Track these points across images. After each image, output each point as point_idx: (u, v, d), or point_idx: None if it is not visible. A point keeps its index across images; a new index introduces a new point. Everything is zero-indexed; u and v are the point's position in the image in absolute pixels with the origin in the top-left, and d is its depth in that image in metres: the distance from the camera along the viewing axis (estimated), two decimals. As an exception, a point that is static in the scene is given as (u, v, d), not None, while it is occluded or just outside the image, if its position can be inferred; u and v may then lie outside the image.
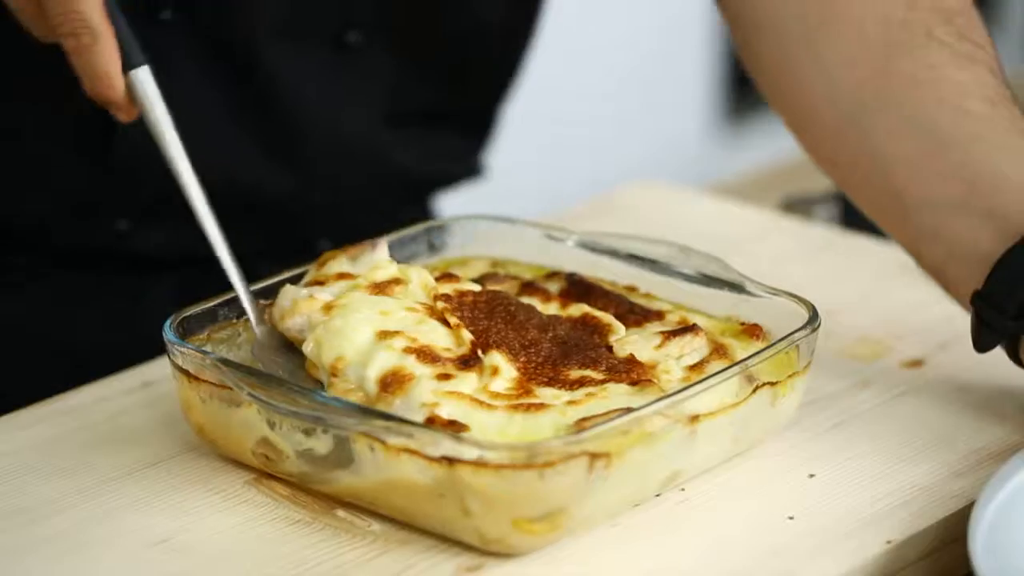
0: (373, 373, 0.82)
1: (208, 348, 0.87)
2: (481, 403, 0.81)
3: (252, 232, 1.04)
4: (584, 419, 0.80)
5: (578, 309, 0.89)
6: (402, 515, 0.81)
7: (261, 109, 1.06)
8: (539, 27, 1.13)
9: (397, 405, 0.81)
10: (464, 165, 1.16)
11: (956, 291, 0.92)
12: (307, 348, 0.85)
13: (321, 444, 0.81)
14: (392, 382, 0.81)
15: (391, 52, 1.07)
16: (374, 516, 0.82)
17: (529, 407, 0.81)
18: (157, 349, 0.90)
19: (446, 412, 0.80)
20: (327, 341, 0.84)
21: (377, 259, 0.90)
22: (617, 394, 0.82)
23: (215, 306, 0.88)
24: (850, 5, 0.95)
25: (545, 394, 0.82)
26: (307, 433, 0.82)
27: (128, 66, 0.86)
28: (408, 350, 0.83)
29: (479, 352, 0.83)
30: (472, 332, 0.85)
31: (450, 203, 1.26)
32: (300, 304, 0.86)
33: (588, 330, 0.87)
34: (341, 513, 0.82)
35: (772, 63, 0.98)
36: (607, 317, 0.88)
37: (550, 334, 0.86)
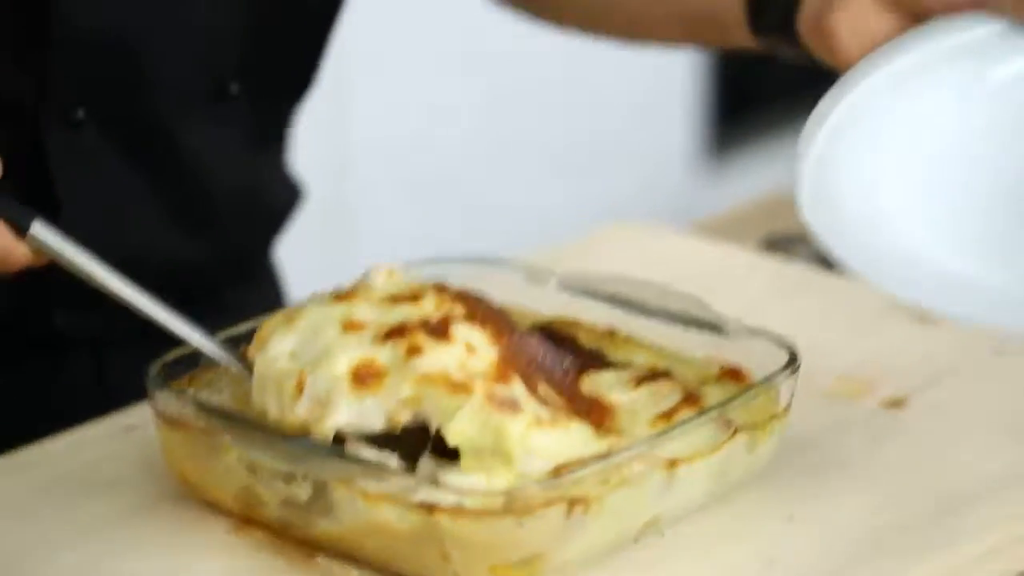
0: (342, 368, 0.81)
1: (190, 393, 0.87)
2: (456, 387, 0.81)
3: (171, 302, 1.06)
4: (562, 465, 0.80)
5: None
6: (382, 562, 0.81)
7: (172, 179, 1.07)
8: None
9: (369, 404, 0.80)
10: (297, 187, 1.18)
11: (728, 21, 0.98)
12: (259, 400, 0.84)
13: (301, 490, 0.81)
14: (367, 376, 0.81)
15: (258, 91, 1.09)
16: (354, 563, 0.82)
17: (502, 403, 0.81)
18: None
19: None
20: (274, 374, 0.83)
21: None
22: (581, 434, 0.82)
23: (198, 351, 0.88)
24: None
25: (516, 390, 0.82)
26: (287, 480, 0.82)
27: (22, 229, 0.86)
28: (377, 339, 0.82)
29: (451, 327, 0.83)
30: (456, 310, 0.85)
31: (426, 245, 1.26)
32: (251, 349, 0.86)
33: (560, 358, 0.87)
34: (321, 561, 0.82)
35: None
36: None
37: (530, 335, 0.87)
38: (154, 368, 0.86)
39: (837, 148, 0.80)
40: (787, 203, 1.15)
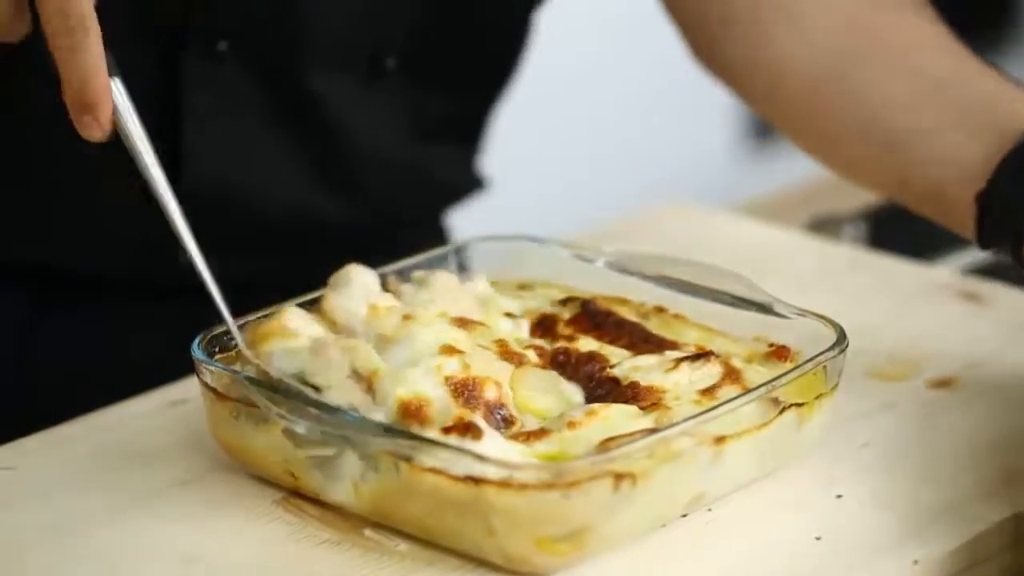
0: (398, 392, 0.82)
1: (236, 366, 0.88)
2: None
3: (314, 261, 1.05)
4: (608, 439, 0.80)
5: (585, 344, 0.89)
6: (427, 534, 0.81)
7: (312, 137, 1.07)
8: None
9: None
10: (475, 175, 1.18)
11: (953, 209, 0.96)
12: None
13: (348, 464, 0.81)
14: (414, 412, 0.82)
15: (420, 73, 1.09)
16: (401, 536, 0.82)
17: (529, 436, 0.81)
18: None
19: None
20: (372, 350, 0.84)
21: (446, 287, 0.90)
22: (623, 413, 0.82)
23: (246, 324, 0.89)
24: None
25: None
26: (333, 454, 0.82)
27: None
28: (450, 381, 0.83)
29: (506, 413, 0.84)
30: None
31: (473, 223, 1.26)
32: (373, 310, 0.87)
33: (594, 366, 0.87)
34: (369, 533, 0.83)
35: (743, 49, 1.05)
36: (614, 357, 0.88)
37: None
38: (200, 341, 0.87)
39: None
40: (832, 185, 1.15)
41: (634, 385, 0.85)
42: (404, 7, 1.06)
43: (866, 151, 1.01)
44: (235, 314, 0.87)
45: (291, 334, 0.86)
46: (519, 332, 0.90)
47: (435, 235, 1.19)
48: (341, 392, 0.83)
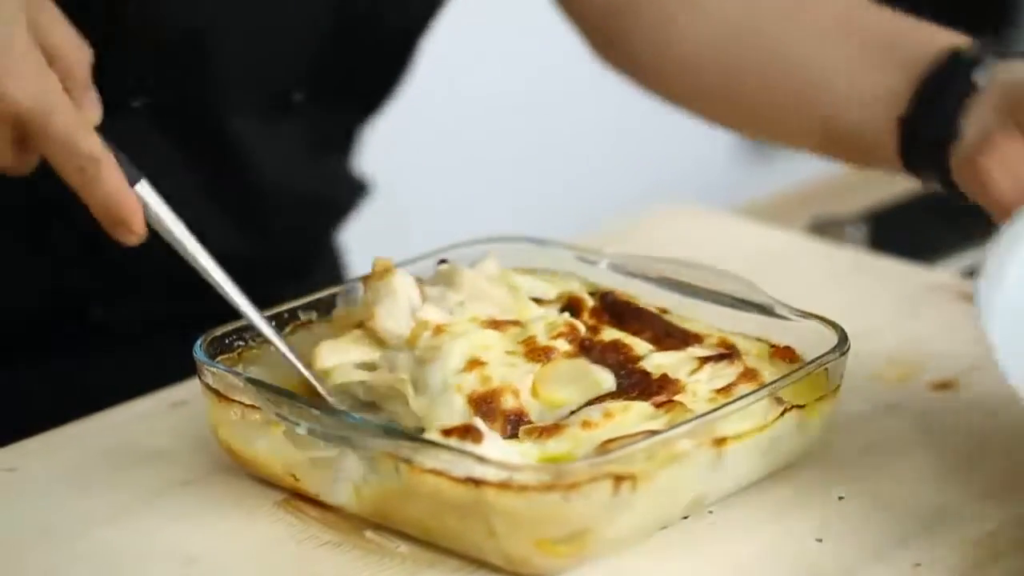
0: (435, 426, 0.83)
1: (239, 368, 0.88)
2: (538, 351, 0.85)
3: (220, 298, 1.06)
4: (609, 440, 0.80)
5: (609, 335, 0.89)
6: (428, 535, 0.81)
7: (226, 180, 1.08)
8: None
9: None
10: (361, 182, 1.19)
11: (877, 145, 0.97)
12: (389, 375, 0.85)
13: (349, 466, 0.82)
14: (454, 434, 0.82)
15: (321, 99, 1.10)
16: (402, 538, 0.82)
17: (541, 432, 0.81)
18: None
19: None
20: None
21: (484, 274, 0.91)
22: (639, 414, 0.82)
23: (246, 325, 0.89)
24: None
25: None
26: (334, 455, 0.82)
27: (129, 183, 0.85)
28: (473, 398, 0.83)
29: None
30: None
31: (475, 224, 1.27)
32: (417, 327, 0.87)
33: (619, 355, 0.87)
34: (370, 534, 0.83)
35: (646, 32, 1.07)
36: (638, 347, 0.88)
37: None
38: (202, 343, 0.87)
39: None
40: (833, 188, 1.15)
41: (663, 377, 0.85)
42: (308, 43, 1.07)
43: (786, 104, 1.01)
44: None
45: (335, 369, 0.86)
46: (550, 316, 0.90)
47: (329, 254, 1.19)
48: (405, 413, 0.84)
